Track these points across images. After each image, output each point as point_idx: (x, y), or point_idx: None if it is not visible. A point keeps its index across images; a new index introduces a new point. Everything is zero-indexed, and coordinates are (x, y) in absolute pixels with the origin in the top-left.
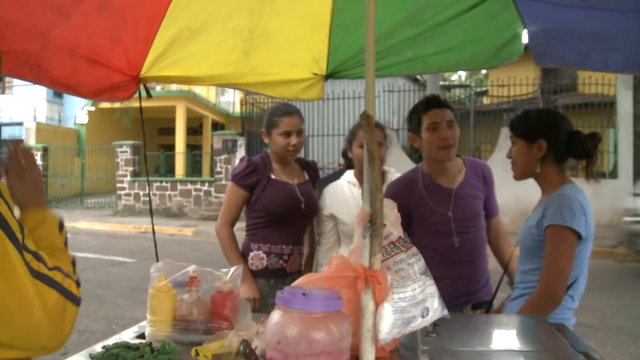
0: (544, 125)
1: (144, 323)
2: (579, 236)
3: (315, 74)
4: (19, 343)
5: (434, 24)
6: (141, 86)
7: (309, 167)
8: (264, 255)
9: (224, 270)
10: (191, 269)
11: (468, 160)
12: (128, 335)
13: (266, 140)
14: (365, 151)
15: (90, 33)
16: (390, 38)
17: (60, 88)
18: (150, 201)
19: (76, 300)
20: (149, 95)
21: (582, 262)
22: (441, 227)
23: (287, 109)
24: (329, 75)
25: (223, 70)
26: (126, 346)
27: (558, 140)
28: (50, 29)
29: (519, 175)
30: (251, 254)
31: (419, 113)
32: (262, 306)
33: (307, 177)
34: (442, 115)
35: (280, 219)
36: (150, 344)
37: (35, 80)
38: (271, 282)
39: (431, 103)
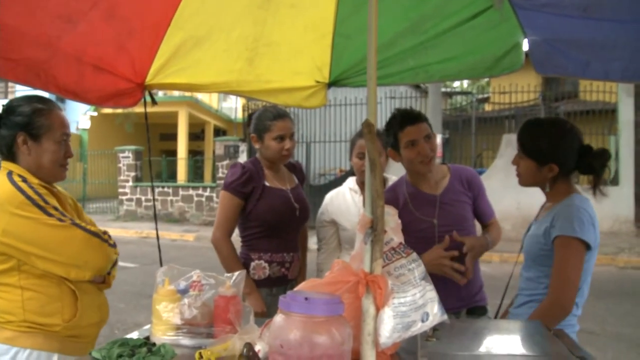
0: (557, 150)
1: (145, 327)
2: (587, 246)
3: (318, 82)
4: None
5: (436, 33)
6: (146, 93)
7: (296, 169)
8: (266, 265)
9: (227, 275)
10: (195, 273)
11: (453, 167)
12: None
13: (257, 146)
14: (367, 159)
15: (97, 41)
16: (392, 47)
17: (66, 95)
18: (154, 206)
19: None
20: (154, 102)
21: (588, 271)
22: (426, 233)
23: (277, 112)
24: (332, 83)
25: (227, 78)
26: (126, 343)
27: (569, 161)
28: (58, 37)
29: (525, 185)
30: (252, 264)
31: (394, 130)
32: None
33: (296, 181)
34: (419, 131)
35: (277, 227)
36: (153, 344)
37: (43, 88)
38: (273, 290)
39: (405, 120)
